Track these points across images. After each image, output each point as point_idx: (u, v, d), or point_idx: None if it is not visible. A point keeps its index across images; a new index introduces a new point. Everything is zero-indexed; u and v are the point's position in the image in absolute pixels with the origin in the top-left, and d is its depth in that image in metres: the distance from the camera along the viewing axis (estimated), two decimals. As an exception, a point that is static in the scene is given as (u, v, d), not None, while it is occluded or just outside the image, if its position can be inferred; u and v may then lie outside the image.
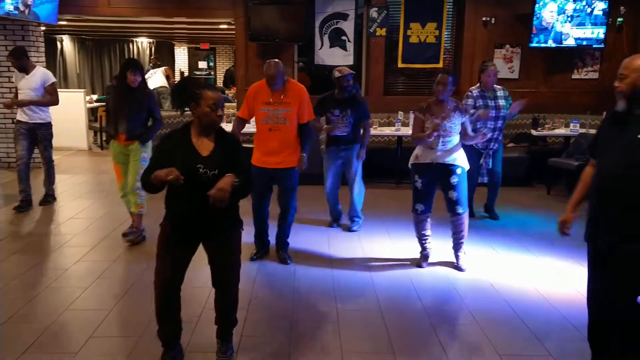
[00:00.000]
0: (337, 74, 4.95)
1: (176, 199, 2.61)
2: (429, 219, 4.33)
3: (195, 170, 2.51)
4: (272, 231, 4.52)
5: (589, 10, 7.55)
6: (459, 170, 4.17)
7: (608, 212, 2.47)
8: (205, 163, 2.53)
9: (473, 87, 5.49)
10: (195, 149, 2.56)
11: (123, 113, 4.61)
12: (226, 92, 11.93)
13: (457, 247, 4.35)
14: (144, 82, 4.72)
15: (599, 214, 2.52)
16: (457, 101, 4.27)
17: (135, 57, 14.72)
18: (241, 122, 4.43)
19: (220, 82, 16.13)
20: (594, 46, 7.77)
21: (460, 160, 4.20)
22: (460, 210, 4.20)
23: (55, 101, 5.81)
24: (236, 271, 2.78)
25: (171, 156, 2.52)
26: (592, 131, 6.97)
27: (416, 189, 4.25)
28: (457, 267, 4.30)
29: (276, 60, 4.16)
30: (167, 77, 11.43)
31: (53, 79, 5.83)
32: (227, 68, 15.72)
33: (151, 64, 12.15)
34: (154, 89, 10.46)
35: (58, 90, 5.96)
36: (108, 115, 4.84)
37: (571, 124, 7.09)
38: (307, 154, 4.28)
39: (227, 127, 7.08)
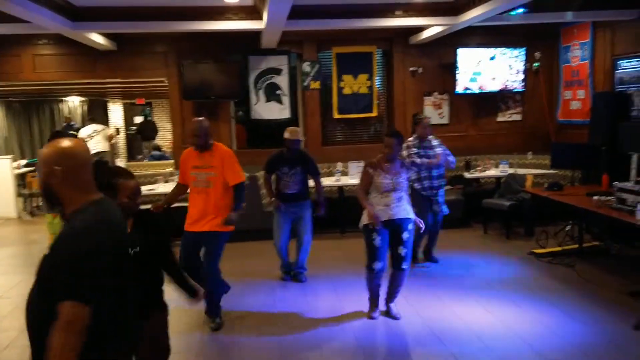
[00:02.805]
0: (287, 135, 5.11)
1: None
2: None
3: None
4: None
5: (507, 60, 8.08)
6: (410, 226, 4.28)
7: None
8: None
9: (410, 138, 5.66)
10: None
11: None
12: (162, 149, 11.71)
13: (393, 298, 4.40)
14: None
15: None
16: (401, 160, 4.44)
17: (67, 116, 14.32)
18: (181, 187, 4.43)
19: (158, 137, 15.88)
20: (515, 90, 8.27)
21: (410, 212, 4.31)
22: (405, 266, 4.28)
23: None
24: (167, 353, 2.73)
25: None
26: (520, 171, 7.33)
27: (375, 247, 4.20)
28: (393, 317, 4.33)
29: (202, 118, 4.23)
30: (110, 141, 10.94)
31: None
32: (142, 122, 15.35)
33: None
34: (94, 153, 10.09)
35: None
36: None
37: (500, 165, 7.43)
38: (236, 213, 4.19)
39: (167, 186, 6.99)
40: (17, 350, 4.00)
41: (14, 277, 5.86)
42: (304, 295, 4.97)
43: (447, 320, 4.26)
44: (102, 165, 2.77)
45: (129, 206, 2.50)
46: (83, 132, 10.48)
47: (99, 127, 10.63)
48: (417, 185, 5.55)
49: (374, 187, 4.24)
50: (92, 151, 10.14)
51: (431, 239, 5.90)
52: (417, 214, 5.49)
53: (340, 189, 7.36)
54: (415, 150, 5.54)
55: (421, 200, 5.51)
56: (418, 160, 5.44)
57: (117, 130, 15.39)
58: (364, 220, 4.27)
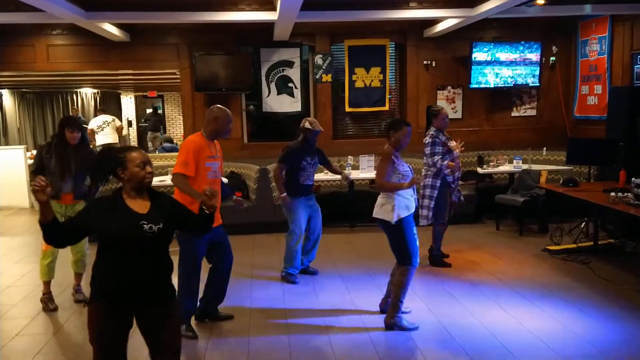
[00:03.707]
0: (308, 125, 5.04)
1: (116, 267, 2.44)
2: None
3: (139, 227, 2.42)
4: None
5: (523, 54, 7.96)
6: None
7: None
8: (147, 219, 2.46)
9: (431, 132, 5.39)
10: (131, 209, 2.48)
11: (69, 172, 4.50)
12: (174, 140, 11.75)
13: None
14: (83, 138, 4.62)
15: None
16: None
17: (80, 107, 14.42)
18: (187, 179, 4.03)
19: (171, 129, 15.96)
20: (530, 85, 8.15)
21: None
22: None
23: None
24: (180, 340, 2.65)
25: (104, 219, 2.44)
26: (535, 167, 7.23)
27: (415, 240, 3.99)
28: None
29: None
30: (119, 132, 11.00)
31: None
32: (150, 113, 15.48)
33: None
34: (104, 144, 10.13)
35: None
36: (37, 174, 4.42)
37: (514, 161, 7.32)
38: None
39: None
40: (27, 338, 4.01)
41: (25, 266, 5.89)
42: (314, 289, 4.93)
43: (459, 317, 4.20)
44: (109, 147, 2.74)
45: (142, 176, 2.49)
46: (93, 123, 10.54)
47: (108, 118, 10.67)
48: (449, 178, 5.34)
49: (396, 179, 3.99)
50: (102, 142, 10.22)
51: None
52: (437, 207, 5.40)
53: (351, 182, 7.31)
54: (440, 148, 5.30)
55: (446, 192, 5.38)
56: (444, 163, 5.27)
57: (130, 123, 15.53)
58: (397, 214, 3.91)
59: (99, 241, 2.49)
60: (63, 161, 4.49)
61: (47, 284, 4.65)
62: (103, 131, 10.42)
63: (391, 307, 4.04)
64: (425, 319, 4.15)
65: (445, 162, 5.27)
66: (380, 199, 4.08)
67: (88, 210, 2.56)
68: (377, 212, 4.05)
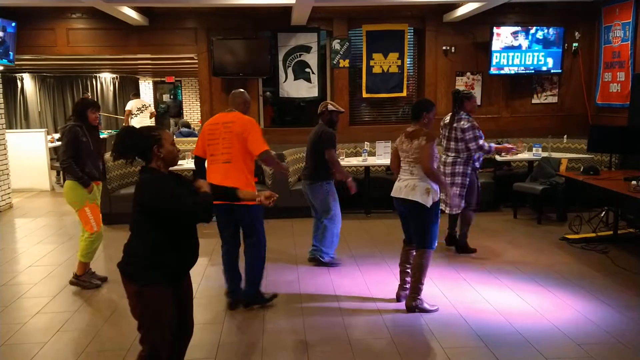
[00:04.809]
0: (331, 107, 5.00)
1: (180, 244, 2.49)
2: None
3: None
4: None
5: (544, 36, 7.81)
6: None
7: None
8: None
9: (465, 117, 5.21)
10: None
11: (100, 153, 4.65)
12: (192, 126, 11.80)
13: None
14: None
15: None
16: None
17: (99, 92, 14.58)
18: None
19: (188, 115, 16.04)
20: (552, 71, 8.01)
21: None
22: None
23: None
24: None
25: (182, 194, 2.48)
26: (555, 155, 7.12)
27: (437, 224, 4.02)
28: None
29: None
30: (151, 117, 11.43)
31: None
32: (170, 100, 15.74)
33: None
34: (142, 126, 10.37)
35: (18, 129, 5.81)
36: (78, 157, 4.42)
37: (534, 148, 7.22)
38: None
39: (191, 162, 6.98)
40: (48, 315, 4.10)
41: (46, 246, 6.01)
42: (328, 274, 4.95)
43: (475, 303, 4.19)
44: (133, 127, 2.76)
45: (175, 154, 2.57)
46: (131, 105, 10.94)
47: (146, 102, 11.14)
48: (477, 165, 5.29)
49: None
50: (141, 124, 10.52)
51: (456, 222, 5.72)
52: (468, 194, 5.33)
53: (367, 169, 7.28)
54: (479, 131, 5.17)
55: (475, 178, 5.33)
56: (493, 145, 5.21)
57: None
58: (432, 198, 3.89)
59: (156, 221, 2.43)
60: (94, 143, 4.55)
61: (86, 265, 4.67)
62: (142, 113, 10.79)
63: (412, 290, 4.04)
64: (440, 305, 4.14)
65: (493, 145, 5.20)
66: (409, 181, 3.97)
67: (168, 185, 2.47)
68: (409, 194, 3.93)
